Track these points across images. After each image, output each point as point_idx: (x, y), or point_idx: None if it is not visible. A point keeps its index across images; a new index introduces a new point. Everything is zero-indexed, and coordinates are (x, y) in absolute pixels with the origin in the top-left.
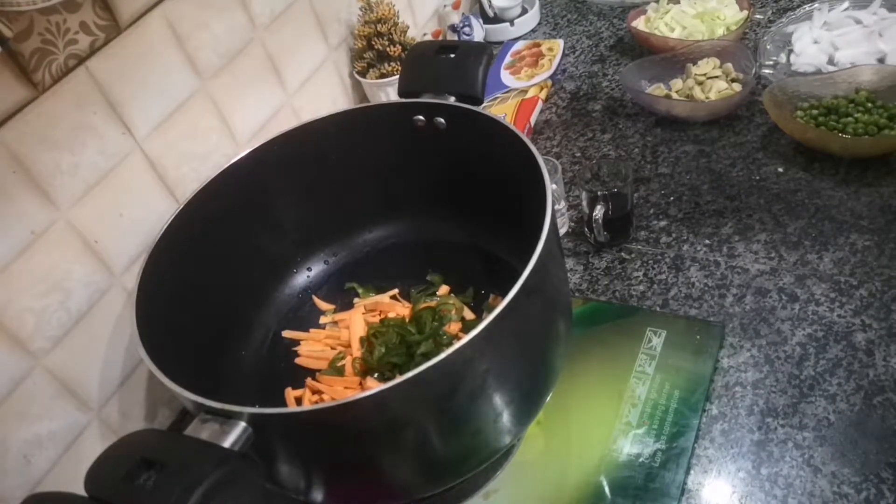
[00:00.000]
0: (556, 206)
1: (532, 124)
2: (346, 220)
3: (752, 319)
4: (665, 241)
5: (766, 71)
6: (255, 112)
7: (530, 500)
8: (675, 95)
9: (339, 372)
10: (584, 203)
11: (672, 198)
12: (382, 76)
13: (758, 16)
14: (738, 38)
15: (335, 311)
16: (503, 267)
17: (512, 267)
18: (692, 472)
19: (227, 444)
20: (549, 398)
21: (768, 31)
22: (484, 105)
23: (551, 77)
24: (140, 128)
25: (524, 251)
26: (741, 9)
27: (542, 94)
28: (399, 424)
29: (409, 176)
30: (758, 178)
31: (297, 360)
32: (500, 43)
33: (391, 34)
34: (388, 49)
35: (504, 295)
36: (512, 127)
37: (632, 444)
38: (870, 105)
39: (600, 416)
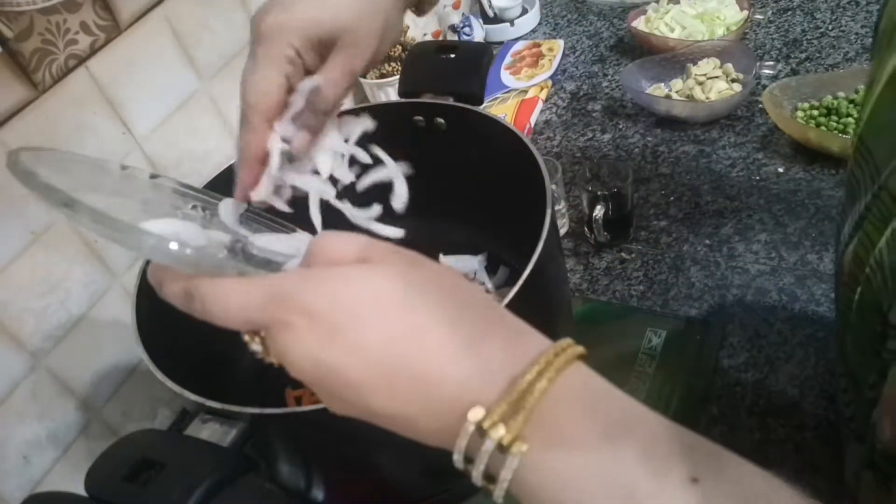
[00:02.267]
0: (557, 207)
1: (532, 124)
2: (346, 220)
3: (753, 320)
4: (665, 242)
5: (766, 71)
6: None
7: None
8: (675, 96)
9: None
10: (585, 203)
11: (672, 198)
12: (382, 76)
13: (758, 16)
14: (738, 38)
15: None
16: (503, 267)
17: (512, 267)
18: None
19: (226, 444)
20: None
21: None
22: (484, 105)
23: (551, 77)
24: (140, 127)
25: (524, 251)
26: (741, 9)
27: (543, 95)
28: None
29: (409, 176)
30: (758, 178)
31: None
32: (501, 43)
33: None
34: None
35: (504, 295)
36: (512, 127)
37: None
38: None
39: None
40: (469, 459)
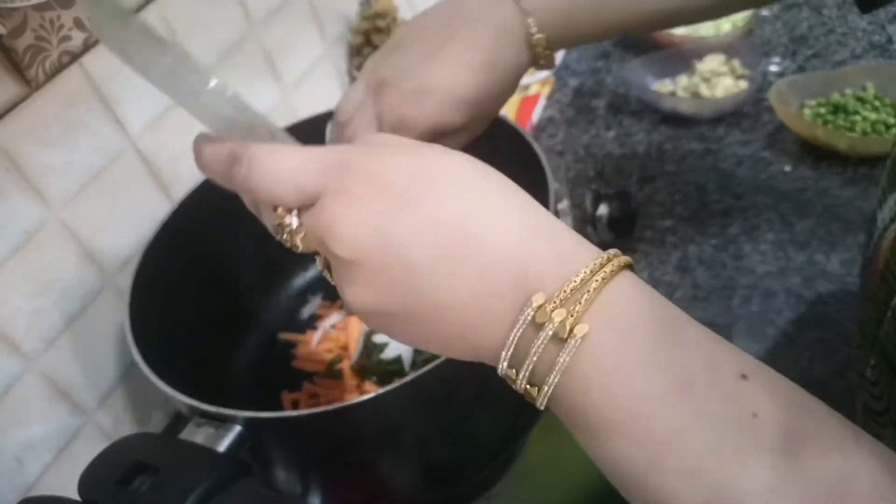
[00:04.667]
0: (560, 205)
1: (535, 121)
2: None
3: (760, 321)
4: (671, 241)
5: (773, 68)
6: None
7: None
8: (680, 92)
9: (337, 375)
10: (588, 202)
11: (677, 197)
12: None
13: (764, 11)
14: (744, 33)
15: (333, 314)
16: None
17: None
18: None
19: (222, 448)
20: None
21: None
22: None
23: (554, 73)
24: (134, 125)
25: None
26: None
27: (545, 91)
28: (397, 429)
29: None
30: (764, 176)
31: (294, 364)
32: None
33: (390, 29)
34: None
35: None
36: (514, 124)
37: None
38: (878, 103)
39: None
40: (514, 365)
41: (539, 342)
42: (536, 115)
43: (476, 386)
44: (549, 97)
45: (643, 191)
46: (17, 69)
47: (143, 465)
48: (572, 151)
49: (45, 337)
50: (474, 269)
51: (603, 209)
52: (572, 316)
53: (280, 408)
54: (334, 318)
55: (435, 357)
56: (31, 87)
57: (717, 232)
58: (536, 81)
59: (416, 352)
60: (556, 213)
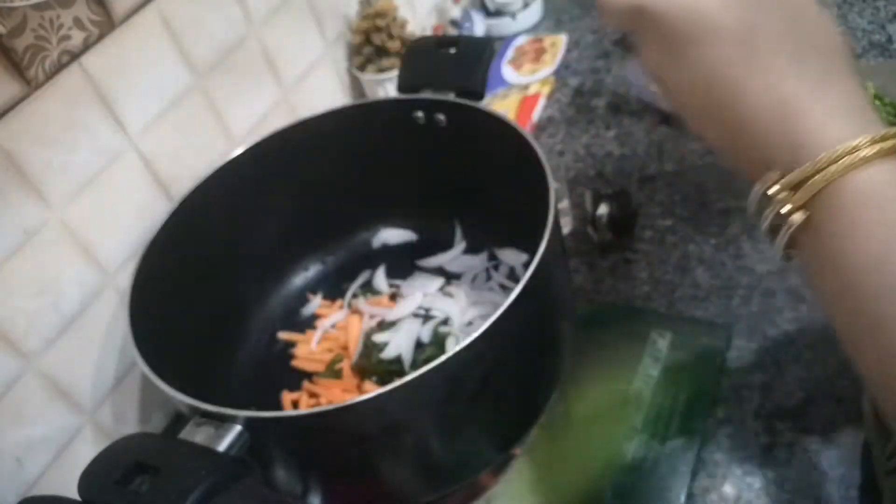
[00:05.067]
0: (559, 205)
1: (534, 121)
2: (344, 219)
3: (759, 321)
4: (671, 241)
5: None
6: (251, 108)
7: None
8: None
9: (337, 375)
10: (588, 202)
11: (678, 196)
12: (381, 71)
13: None
14: None
15: (333, 313)
16: (504, 266)
17: (514, 266)
18: (698, 476)
19: (222, 448)
20: (551, 402)
21: None
22: (485, 101)
23: (554, 73)
24: (134, 125)
25: (526, 251)
26: None
27: (545, 91)
28: (397, 428)
29: (408, 174)
30: None
31: (294, 363)
32: (502, 38)
33: (390, 29)
34: (386, 44)
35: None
36: (514, 124)
37: (636, 449)
38: (878, 103)
39: (604, 420)
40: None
41: (768, 210)
42: (536, 114)
43: (476, 386)
44: (549, 97)
45: (643, 191)
46: (17, 69)
47: (143, 465)
48: (572, 151)
49: (45, 337)
50: (727, 132)
51: (603, 209)
52: (792, 204)
53: (280, 408)
54: (334, 317)
55: (435, 357)
56: (31, 86)
57: (716, 232)
58: (536, 81)
59: (417, 351)
60: (556, 213)
